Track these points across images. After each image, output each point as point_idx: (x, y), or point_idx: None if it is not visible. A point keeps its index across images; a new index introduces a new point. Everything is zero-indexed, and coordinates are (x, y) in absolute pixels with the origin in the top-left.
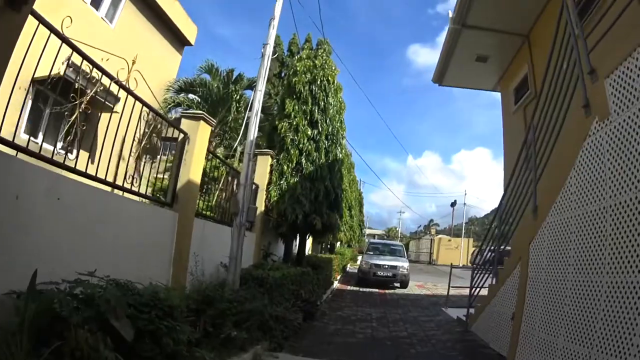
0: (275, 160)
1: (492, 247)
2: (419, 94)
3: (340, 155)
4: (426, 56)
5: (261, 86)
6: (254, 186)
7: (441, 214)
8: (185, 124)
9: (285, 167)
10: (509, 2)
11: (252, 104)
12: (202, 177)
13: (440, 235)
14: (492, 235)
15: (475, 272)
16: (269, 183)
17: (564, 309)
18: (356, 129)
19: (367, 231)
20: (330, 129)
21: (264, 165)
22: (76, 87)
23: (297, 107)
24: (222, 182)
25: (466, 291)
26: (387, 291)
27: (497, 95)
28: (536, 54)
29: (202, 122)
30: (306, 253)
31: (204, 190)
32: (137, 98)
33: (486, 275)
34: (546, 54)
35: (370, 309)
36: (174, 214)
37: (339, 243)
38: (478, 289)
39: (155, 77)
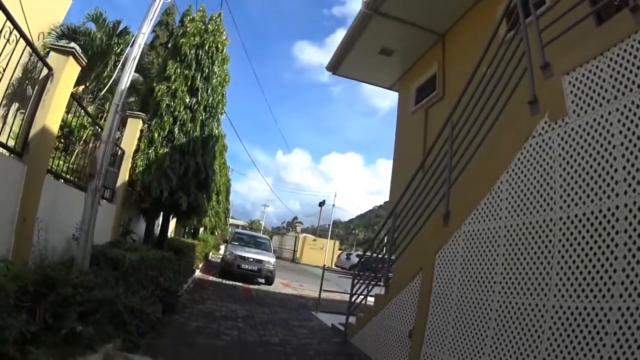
0: (146, 125)
1: (378, 253)
2: (299, 90)
3: (216, 131)
4: (312, 55)
5: (146, 28)
6: (119, 152)
7: (305, 212)
8: (52, 58)
9: (156, 135)
10: None
11: (131, 45)
12: (64, 134)
13: (305, 234)
14: (378, 240)
15: (357, 278)
16: (137, 151)
17: (484, 332)
18: (231, 111)
19: (231, 221)
20: (210, 100)
21: (133, 129)
22: None
23: (179, 71)
24: (85, 140)
25: (336, 296)
26: (251, 286)
27: (378, 102)
28: (450, 55)
29: (71, 58)
30: (168, 235)
31: (64, 149)
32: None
33: (366, 283)
34: (461, 57)
35: (235, 305)
36: (22, 167)
37: (202, 229)
38: (359, 297)
39: (40, 16)
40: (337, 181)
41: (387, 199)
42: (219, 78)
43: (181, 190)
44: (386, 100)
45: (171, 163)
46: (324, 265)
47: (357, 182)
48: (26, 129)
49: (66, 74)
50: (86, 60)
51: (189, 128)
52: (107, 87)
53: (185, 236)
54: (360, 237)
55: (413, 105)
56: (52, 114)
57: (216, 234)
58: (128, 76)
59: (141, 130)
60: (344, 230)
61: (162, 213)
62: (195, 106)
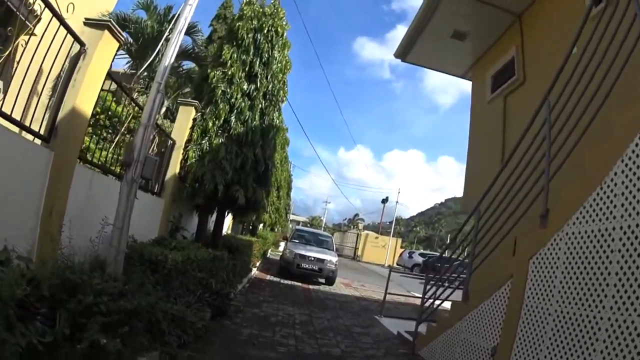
0: (199, 114)
1: (451, 254)
2: (361, 87)
3: (277, 121)
4: (372, 51)
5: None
6: (169, 142)
7: (367, 209)
8: (85, 33)
9: (210, 124)
10: None
11: (176, 18)
12: (112, 124)
13: (367, 231)
14: (461, 240)
15: (430, 281)
16: (188, 141)
17: (588, 356)
18: (294, 105)
19: (292, 217)
20: (270, 87)
21: (185, 118)
22: None
23: (235, 56)
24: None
25: (400, 298)
26: (311, 287)
27: (441, 98)
28: (529, 37)
29: (106, 32)
30: (224, 232)
31: (102, 135)
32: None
33: (438, 287)
34: (542, 36)
35: (293, 308)
36: (49, 153)
37: (262, 225)
38: (429, 302)
39: (90, 5)
40: (399, 178)
41: (447, 196)
42: (279, 64)
43: (238, 184)
44: (448, 96)
45: (227, 154)
46: (390, 266)
47: (419, 179)
48: (54, 111)
49: (100, 50)
50: (124, 37)
51: (246, 117)
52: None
53: (243, 233)
54: (421, 235)
55: (489, 94)
56: (84, 94)
57: (276, 230)
58: (173, 51)
59: (194, 119)
60: (405, 228)
61: (216, 209)
62: (254, 93)
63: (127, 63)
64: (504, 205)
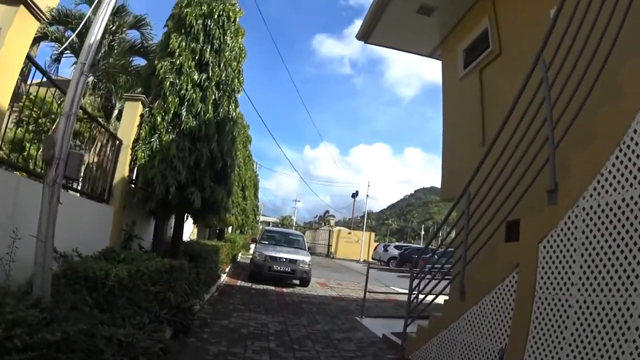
0: (147, 109)
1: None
2: (321, 84)
3: (234, 113)
4: (331, 47)
5: None
6: (116, 142)
7: (336, 206)
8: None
9: (159, 119)
10: None
11: None
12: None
13: (339, 227)
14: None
15: (415, 275)
16: (137, 140)
17: (623, 353)
18: (254, 106)
19: (261, 218)
20: (223, 76)
21: (132, 114)
22: None
23: (184, 44)
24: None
25: (380, 295)
26: (285, 289)
27: (402, 90)
28: (502, 6)
29: (22, 8)
30: (188, 238)
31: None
32: None
33: (428, 281)
34: (517, 5)
35: (267, 316)
36: None
37: (230, 228)
38: (416, 299)
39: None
40: (366, 172)
41: (417, 187)
42: (232, 52)
43: (193, 185)
44: (409, 88)
45: (179, 152)
46: (365, 261)
47: (386, 172)
48: None
49: (16, 29)
50: (44, 16)
51: (199, 109)
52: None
53: (210, 238)
54: (393, 227)
55: (462, 70)
56: None
57: (245, 233)
58: (99, 26)
59: (141, 116)
60: (376, 221)
61: (172, 213)
62: (206, 83)
63: (72, 64)
64: (499, 185)
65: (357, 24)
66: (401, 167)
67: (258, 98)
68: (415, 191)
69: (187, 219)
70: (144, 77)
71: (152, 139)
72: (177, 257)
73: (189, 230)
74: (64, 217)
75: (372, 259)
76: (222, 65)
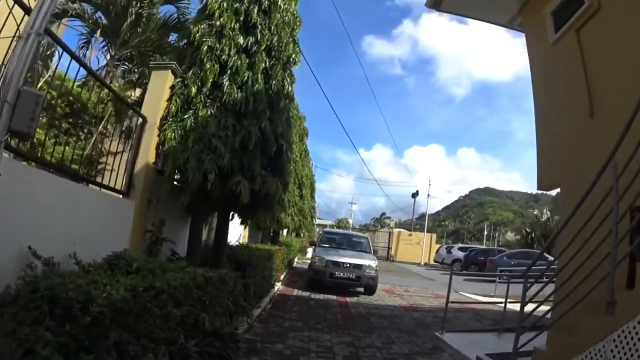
0: (179, 80)
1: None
2: (373, 85)
3: (290, 88)
4: (381, 48)
5: None
6: (139, 120)
7: (391, 208)
8: None
9: (194, 90)
10: None
11: None
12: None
13: (398, 229)
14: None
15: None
16: (165, 118)
17: None
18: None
19: (317, 221)
20: (275, 41)
21: (159, 86)
22: None
23: (225, 4)
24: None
25: (455, 304)
26: (348, 299)
27: (454, 90)
28: None
29: None
30: (237, 242)
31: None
32: None
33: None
34: None
35: (330, 335)
36: None
37: (285, 231)
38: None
39: None
40: (421, 174)
41: (471, 187)
42: (285, 17)
43: (239, 172)
44: (461, 87)
45: (219, 130)
46: (451, 270)
47: (441, 172)
48: None
49: None
50: None
51: (245, 78)
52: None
53: (263, 242)
54: (450, 228)
55: (553, 34)
56: None
57: (302, 235)
58: None
59: (172, 87)
60: (432, 223)
61: (213, 209)
62: (254, 48)
63: (103, 47)
64: None
65: (405, 24)
66: (455, 168)
67: (311, 103)
68: (470, 192)
69: (232, 217)
70: (176, 48)
71: (186, 116)
72: (220, 266)
73: (238, 233)
74: (61, 210)
75: (435, 261)
76: (273, 28)
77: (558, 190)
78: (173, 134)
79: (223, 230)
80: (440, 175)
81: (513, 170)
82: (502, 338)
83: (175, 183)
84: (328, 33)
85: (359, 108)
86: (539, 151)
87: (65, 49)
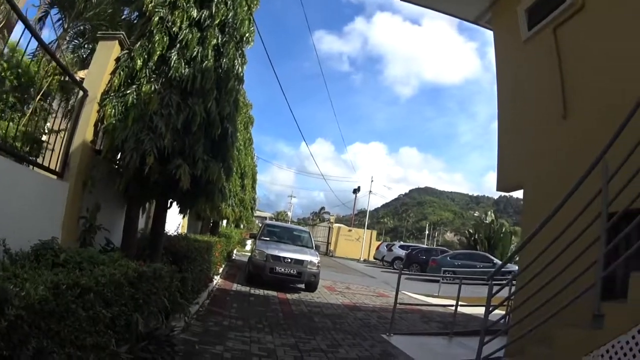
0: (126, 52)
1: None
2: (320, 81)
3: (241, 69)
4: (331, 44)
5: None
6: (79, 93)
7: (331, 203)
8: None
9: (139, 63)
10: None
11: None
12: None
13: (339, 224)
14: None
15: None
16: (107, 92)
17: None
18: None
19: (256, 213)
20: (230, 17)
21: (104, 58)
22: None
23: None
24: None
25: (404, 305)
26: (289, 296)
27: (400, 89)
28: None
29: None
30: (177, 232)
31: None
32: None
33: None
34: None
35: (272, 335)
36: None
37: (225, 222)
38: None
39: None
40: (362, 170)
41: (411, 187)
42: None
43: (180, 156)
44: (408, 87)
45: (162, 108)
46: (400, 268)
47: (381, 170)
48: None
49: None
50: None
51: (195, 53)
52: None
53: (202, 232)
54: (388, 226)
55: (526, 31)
56: None
57: (242, 227)
58: None
59: (117, 60)
60: (371, 219)
61: (151, 196)
62: (207, 22)
63: (58, 20)
64: None
65: (358, 21)
66: (396, 167)
67: (259, 94)
68: (410, 191)
69: (170, 206)
70: (128, 22)
71: (128, 91)
72: (157, 258)
73: (177, 222)
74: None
75: (375, 258)
76: (229, 3)
77: (502, 194)
78: (113, 110)
79: (161, 219)
80: (381, 173)
81: (455, 171)
82: (453, 342)
83: (108, 164)
84: (276, 26)
85: (302, 102)
86: (500, 152)
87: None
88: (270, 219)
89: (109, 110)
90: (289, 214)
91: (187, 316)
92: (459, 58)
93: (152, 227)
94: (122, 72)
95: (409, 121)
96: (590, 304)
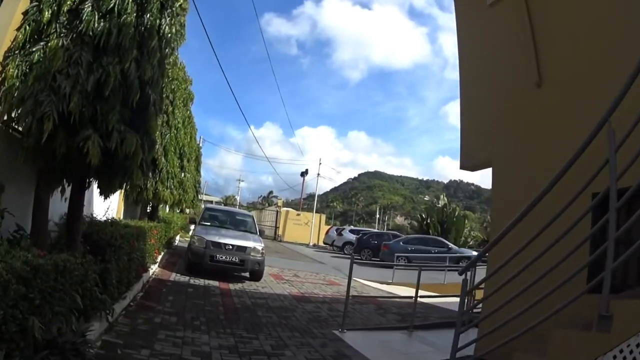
0: (35, 3)
1: None
2: (268, 65)
3: (167, 29)
4: (279, 27)
5: None
6: None
7: (279, 187)
8: None
9: (47, 15)
10: None
11: None
12: None
13: (287, 208)
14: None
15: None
16: (11, 50)
17: None
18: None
19: (204, 197)
20: None
21: (9, 12)
22: None
23: None
24: None
25: (353, 292)
26: (231, 286)
27: (349, 73)
28: None
29: None
30: (106, 217)
31: None
32: None
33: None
34: None
35: (209, 335)
36: None
37: (167, 206)
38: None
39: None
40: (310, 154)
41: (360, 170)
42: None
43: (91, 125)
44: (357, 71)
45: (70, 66)
46: (352, 255)
47: (330, 154)
48: None
49: None
50: None
51: (112, 5)
52: None
53: (141, 217)
54: (338, 210)
55: None
56: None
57: (188, 212)
58: None
59: (24, 14)
60: (320, 204)
61: (65, 174)
62: None
63: None
64: None
65: (307, 5)
66: (344, 150)
67: (206, 77)
68: (359, 175)
69: (89, 185)
70: None
71: (35, 48)
72: (75, 246)
73: (105, 206)
74: None
75: (324, 243)
76: None
77: (453, 178)
78: (16, 71)
79: (78, 201)
80: (329, 157)
81: (404, 155)
82: (413, 337)
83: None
84: (225, 8)
85: (250, 86)
86: (463, 127)
87: None
88: (218, 203)
89: (12, 70)
90: (237, 198)
91: (110, 314)
92: (409, 43)
93: (68, 211)
94: (28, 27)
95: (358, 105)
96: (586, 301)
